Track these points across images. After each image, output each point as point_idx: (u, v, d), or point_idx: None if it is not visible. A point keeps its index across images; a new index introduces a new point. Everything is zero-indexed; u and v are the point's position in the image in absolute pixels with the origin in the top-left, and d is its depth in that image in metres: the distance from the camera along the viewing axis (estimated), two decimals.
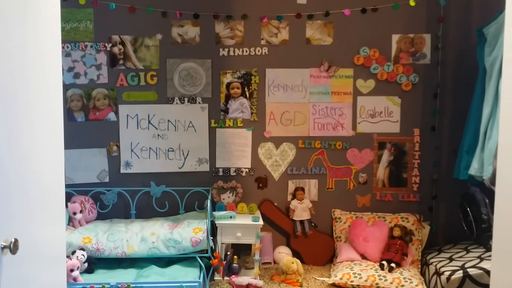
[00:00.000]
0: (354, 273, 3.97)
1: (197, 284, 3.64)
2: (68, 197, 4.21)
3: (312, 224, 4.48)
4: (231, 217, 4.11)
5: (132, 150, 4.47)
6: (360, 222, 4.43)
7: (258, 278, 4.00)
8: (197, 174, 4.48)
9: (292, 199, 4.50)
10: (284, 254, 4.33)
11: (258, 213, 4.32)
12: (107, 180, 4.46)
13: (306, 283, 4.05)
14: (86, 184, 4.42)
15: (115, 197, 4.43)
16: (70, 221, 4.22)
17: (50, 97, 2.37)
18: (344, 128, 4.53)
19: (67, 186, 4.03)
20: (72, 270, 3.62)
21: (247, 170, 4.53)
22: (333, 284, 3.98)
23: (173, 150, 4.48)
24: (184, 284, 3.62)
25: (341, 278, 3.96)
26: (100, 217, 4.40)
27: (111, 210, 4.42)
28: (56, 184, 2.45)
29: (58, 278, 2.52)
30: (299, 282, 4.05)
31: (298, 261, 4.14)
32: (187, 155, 4.49)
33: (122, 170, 4.47)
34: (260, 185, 4.54)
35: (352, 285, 3.92)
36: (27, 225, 2.10)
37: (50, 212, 2.38)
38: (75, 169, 4.42)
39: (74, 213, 4.19)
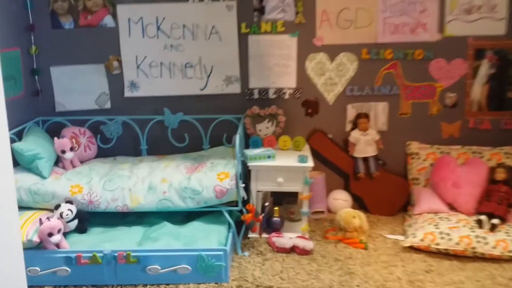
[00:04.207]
0: (440, 233, 3.24)
1: (221, 253, 2.84)
2: (59, 129, 3.70)
3: (380, 161, 3.95)
4: (269, 157, 3.46)
5: (138, 67, 3.85)
6: (448, 159, 3.77)
7: (307, 236, 3.44)
8: (224, 98, 3.94)
9: (353, 129, 3.95)
10: (341, 201, 3.85)
11: (306, 149, 3.75)
12: (108, 106, 3.93)
13: (372, 242, 3.41)
14: (82, 112, 3.89)
15: (119, 128, 3.87)
16: (60, 162, 3.47)
17: None
18: (426, 30, 3.82)
19: (57, 114, 3.85)
20: (51, 234, 2.81)
21: (291, 91, 3.94)
22: (410, 247, 3.26)
23: (191, 66, 3.86)
24: (204, 253, 2.81)
25: (422, 239, 3.24)
26: (102, 153, 3.85)
27: (115, 145, 3.90)
28: None
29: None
30: (363, 243, 3.34)
31: (362, 214, 3.52)
32: (211, 72, 3.88)
33: (127, 93, 3.90)
34: (309, 111, 3.98)
35: (437, 248, 3.19)
36: None
37: None
38: (67, 92, 3.86)
39: (63, 151, 3.43)
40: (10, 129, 3.30)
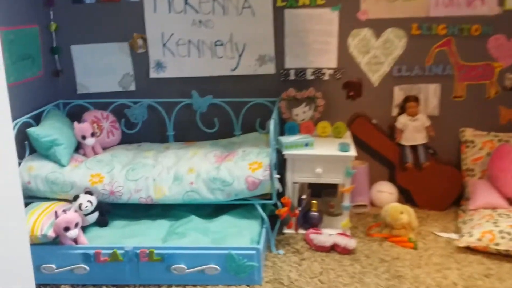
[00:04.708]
0: (500, 231, 2.97)
1: (254, 252, 2.60)
2: (80, 113, 3.56)
3: (430, 150, 3.76)
4: (307, 145, 3.26)
5: (164, 45, 3.66)
6: (507, 149, 3.53)
7: (349, 233, 3.23)
8: (258, 79, 3.76)
9: (400, 113, 3.76)
10: (386, 194, 3.65)
11: (348, 136, 3.55)
12: (133, 88, 3.75)
13: (422, 241, 3.14)
14: (105, 94, 3.73)
15: (144, 112, 3.71)
16: (81, 148, 3.30)
17: None
18: (485, 2, 3.58)
19: (79, 96, 3.72)
20: (67, 229, 2.60)
21: (331, 71, 3.75)
22: (466, 247, 2.98)
23: (222, 44, 3.67)
24: (234, 252, 2.58)
25: (479, 239, 2.96)
26: (126, 139, 3.70)
27: (140, 131, 3.75)
28: None
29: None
30: (412, 241, 3.07)
31: (410, 210, 3.26)
32: (243, 50, 3.69)
33: (153, 74, 3.72)
34: (351, 93, 3.80)
35: (497, 249, 2.92)
36: None
37: None
38: (89, 73, 3.70)
39: (84, 137, 3.25)
40: (27, 113, 3.14)
